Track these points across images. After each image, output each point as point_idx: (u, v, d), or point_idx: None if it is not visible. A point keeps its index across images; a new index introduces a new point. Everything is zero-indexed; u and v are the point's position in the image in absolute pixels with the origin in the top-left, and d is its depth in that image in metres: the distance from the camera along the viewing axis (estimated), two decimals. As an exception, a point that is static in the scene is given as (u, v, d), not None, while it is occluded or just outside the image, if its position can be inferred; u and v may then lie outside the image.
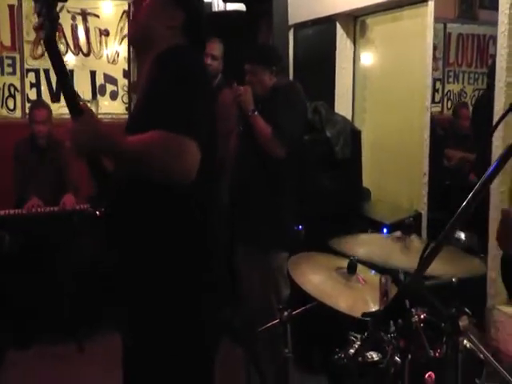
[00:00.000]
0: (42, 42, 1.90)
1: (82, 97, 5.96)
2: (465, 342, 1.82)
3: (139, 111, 2.12)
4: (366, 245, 2.30)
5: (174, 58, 2.01)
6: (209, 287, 2.08)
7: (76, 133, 1.86)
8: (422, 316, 1.98)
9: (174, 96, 1.90)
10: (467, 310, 1.75)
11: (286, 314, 2.67)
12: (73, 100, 1.90)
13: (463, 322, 1.74)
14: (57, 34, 1.89)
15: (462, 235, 3.42)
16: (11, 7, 5.84)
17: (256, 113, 3.50)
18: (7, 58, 5.89)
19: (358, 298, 2.46)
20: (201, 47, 2.30)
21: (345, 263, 2.54)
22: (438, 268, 1.68)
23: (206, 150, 1.89)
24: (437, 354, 1.91)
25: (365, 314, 1.75)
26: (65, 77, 1.94)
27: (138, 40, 2.20)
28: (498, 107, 3.19)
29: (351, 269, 2.52)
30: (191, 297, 2.03)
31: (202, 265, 2.05)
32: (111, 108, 6.25)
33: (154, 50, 2.07)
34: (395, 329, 1.91)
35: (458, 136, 4.56)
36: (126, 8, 6.18)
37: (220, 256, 2.22)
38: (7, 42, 5.87)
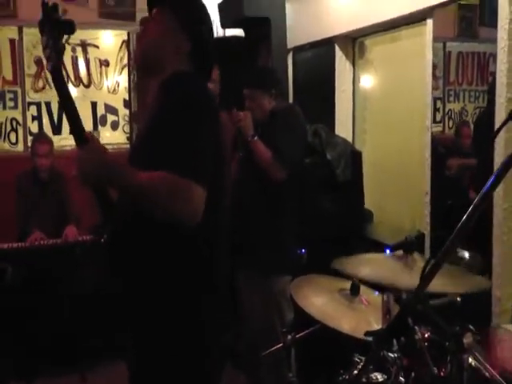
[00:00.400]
0: (49, 72, 1.92)
1: (83, 128, 6.00)
2: (470, 359, 1.79)
3: (144, 140, 2.10)
4: (368, 265, 2.27)
5: (180, 85, 1.98)
6: (213, 317, 2.06)
7: (82, 161, 1.84)
8: (425, 335, 1.95)
9: (180, 127, 1.87)
10: (471, 326, 1.73)
11: (289, 337, 2.65)
12: (79, 129, 1.89)
13: (467, 339, 1.71)
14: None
15: (466, 254, 3.38)
16: (12, 41, 5.91)
17: (256, 138, 3.50)
18: (9, 92, 5.94)
19: (362, 320, 2.43)
20: (207, 75, 2.25)
21: (347, 285, 2.52)
22: (440, 285, 1.66)
23: (212, 180, 1.87)
24: (441, 373, 1.87)
25: (368, 333, 1.73)
26: (71, 106, 1.92)
27: (146, 58, 2.15)
28: (499, 123, 3.15)
29: (354, 290, 2.50)
30: (195, 326, 2.00)
31: (206, 296, 2.03)
32: (112, 138, 6.29)
33: (159, 75, 2.06)
34: (398, 347, 1.88)
35: (460, 154, 4.54)
36: (126, 38, 6.24)
37: (224, 285, 2.19)
38: (9, 76, 5.92)
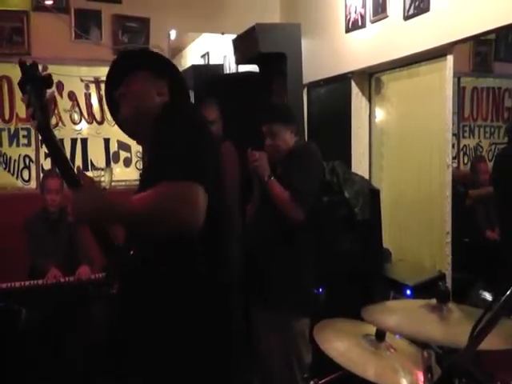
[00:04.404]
0: (35, 129, 1.93)
1: (96, 165, 5.99)
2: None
3: (146, 170, 2.20)
4: (398, 315, 2.16)
5: (171, 111, 2.06)
6: (225, 354, 2.06)
7: (75, 200, 1.83)
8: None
9: (174, 143, 1.91)
10: None
11: (312, 383, 2.57)
12: (71, 178, 1.92)
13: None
14: (52, 117, 1.92)
15: (487, 295, 3.31)
16: (25, 78, 5.90)
17: (272, 178, 3.44)
18: (22, 129, 5.93)
19: (388, 367, 2.34)
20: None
21: (372, 329, 2.44)
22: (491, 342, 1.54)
23: (211, 195, 1.87)
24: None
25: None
26: (64, 162, 1.95)
27: (134, 126, 2.26)
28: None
29: (380, 336, 2.42)
30: (207, 364, 1.99)
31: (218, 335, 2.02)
32: (125, 175, 6.25)
33: (151, 118, 2.08)
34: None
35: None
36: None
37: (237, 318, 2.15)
38: (22, 114, 5.90)
